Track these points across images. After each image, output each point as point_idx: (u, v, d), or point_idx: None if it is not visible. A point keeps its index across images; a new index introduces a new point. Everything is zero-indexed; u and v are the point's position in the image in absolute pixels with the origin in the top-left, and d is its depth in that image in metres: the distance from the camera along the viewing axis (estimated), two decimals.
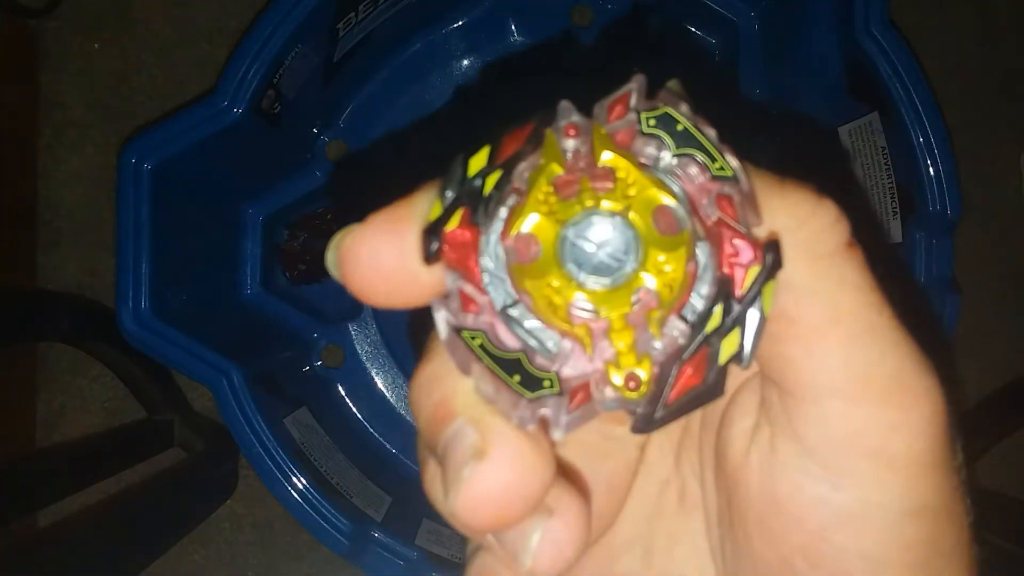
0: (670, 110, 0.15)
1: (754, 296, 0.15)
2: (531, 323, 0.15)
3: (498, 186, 0.15)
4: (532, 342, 0.15)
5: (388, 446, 0.64)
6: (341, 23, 0.55)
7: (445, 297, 0.16)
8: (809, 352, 0.16)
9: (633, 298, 0.15)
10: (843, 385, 0.16)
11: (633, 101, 0.15)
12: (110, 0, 0.68)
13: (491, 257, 0.15)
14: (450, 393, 0.16)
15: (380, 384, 0.65)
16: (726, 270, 0.15)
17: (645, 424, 0.15)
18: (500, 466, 0.15)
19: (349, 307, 0.64)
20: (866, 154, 0.55)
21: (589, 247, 0.15)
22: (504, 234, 0.15)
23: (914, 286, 0.52)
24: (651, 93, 0.16)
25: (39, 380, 0.67)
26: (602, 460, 0.19)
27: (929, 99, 0.51)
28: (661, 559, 0.20)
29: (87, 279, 0.67)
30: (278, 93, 0.54)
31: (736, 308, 0.15)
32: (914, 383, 0.16)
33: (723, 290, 0.15)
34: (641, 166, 0.15)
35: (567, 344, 0.15)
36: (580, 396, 0.15)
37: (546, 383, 0.15)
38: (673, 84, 0.16)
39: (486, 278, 0.15)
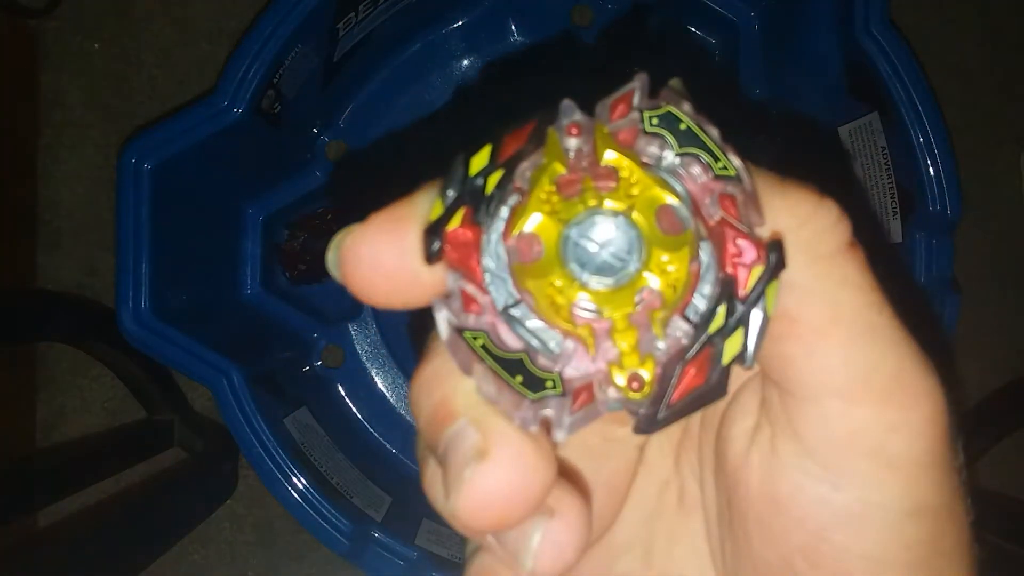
0: (673, 109, 0.15)
1: (757, 296, 0.15)
2: (533, 323, 0.15)
3: (500, 185, 0.15)
4: (534, 342, 0.15)
5: (388, 446, 0.64)
6: (341, 23, 0.55)
7: (446, 297, 0.15)
8: (810, 352, 0.16)
9: (636, 298, 0.15)
10: (843, 385, 0.16)
11: (636, 100, 0.15)
12: (110, 0, 0.68)
13: (493, 257, 0.15)
14: (451, 393, 0.16)
15: (380, 384, 0.65)
16: (729, 270, 0.15)
17: (648, 425, 0.15)
18: (502, 467, 0.15)
19: (349, 307, 0.64)
20: (866, 154, 0.55)
21: (592, 247, 0.15)
22: (506, 234, 0.15)
23: (914, 286, 0.51)
24: (653, 92, 0.16)
25: (39, 380, 0.67)
26: (602, 461, 0.19)
27: (929, 99, 0.51)
28: (661, 560, 0.20)
29: (87, 279, 0.67)
30: (278, 93, 0.54)
31: (739, 308, 0.15)
32: (914, 383, 0.16)
33: (726, 290, 0.15)
34: (644, 165, 0.15)
35: (569, 344, 0.15)
36: (583, 397, 0.15)
37: (549, 384, 0.15)
38: (675, 83, 0.16)
39: (488, 278, 0.15)
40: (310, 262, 0.63)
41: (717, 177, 0.15)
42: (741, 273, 0.15)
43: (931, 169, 0.51)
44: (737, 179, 0.15)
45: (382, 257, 0.16)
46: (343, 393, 0.64)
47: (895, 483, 0.16)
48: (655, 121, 0.15)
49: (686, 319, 0.15)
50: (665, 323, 0.15)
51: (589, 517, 0.17)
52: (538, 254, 0.15)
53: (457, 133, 0.62)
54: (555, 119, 0.15)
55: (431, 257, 0.15)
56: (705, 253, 0.15)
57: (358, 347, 0.64)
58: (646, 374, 0.15)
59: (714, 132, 0.15)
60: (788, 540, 0.17)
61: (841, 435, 0.16)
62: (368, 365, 0.65)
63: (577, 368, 0.15)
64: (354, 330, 0.64)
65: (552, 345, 0.15)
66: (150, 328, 0.50)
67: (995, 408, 0.66)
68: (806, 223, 0.16)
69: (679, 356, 0.15)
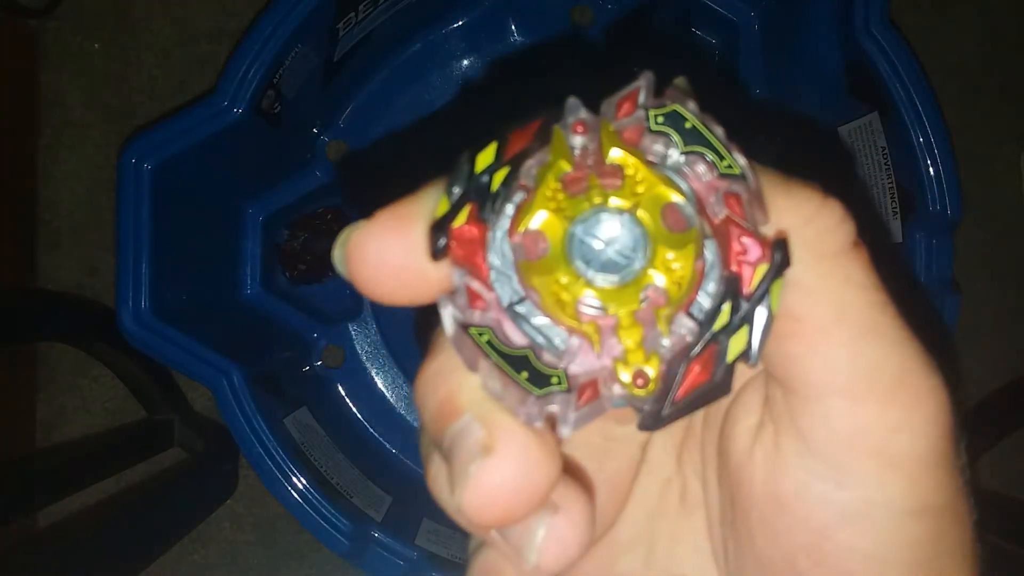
0: (678, 108, 0.15)
1: (762, 294, 0.15)
2: (538, 320, 0.15)
3: (506, 182, 0.15)
4: (539, 339, 0.15)
5: (388, 446, 0.64)
6: (341, 23, 0.55)
7: (452, 294, 0.16)
8: (813, 351, 0.16)
9: (641, 295, 0.15)
10: (847, 384, 0.16)
11: (641, 98, 0.15)
12: (110, 0, 0.68)
13: (498, 254, 0.15)
14: (456, 389, 0.16)
15: (380, 384, 0.65)
16: (734, 268, 0.15)
17: (653, 421, 0.15)
18: (507, 462, 0.15)
19: (349, 307, 0.64)
20: (866, 154, 0.55)
21: (597, 244, 0.15)
22: (512, 231, 0.15)
23: (916, 286, 0.51)
24: (658, 91, 0.16)
25: (40, 380, 0.67)
26: (604, 459, 0.19)
27: (929, 99, 0.51)
28: (662, 559, 0.20)
29: (87, 279, 0.67)
30: (278, 93, 0.54)
31: (744, 306, 0.15)
32: (918, 383, 0.16)
33: (731, 288, 0.15)
34: (649, 163, 0.15)
35: (574, 341, 0.15)
36: (588, 393, 0.15)
37: (554, 380, 0.15)
38: (680, 82, 0.16)
39: (493, 275, 0.15)
40: (310, 262, 0.63)
41: (722, 176, 0.15)
42: (746, 271, 0.15)
43: (931, 169, 0.51)
44: (742, 178, 0.15)
45: (388, 254, 0.16)
46: (343, 393, 0.64)
47: (899, 482, 0.16)
48: (660, 119, 0.15)
49: (691, 317, 0.15)
50: (670, 320, 0.15)
51: (593, 513, 0.17)
52: (543, 251, 0.15)
53: (457, 133, 0.62)
54: (561, 117, 0.15)
55: (437, 254, 0.15)
56: (710, 251, 0.15)
57: (358, 347, 0.64)
58: (651, 371, 0.15)
59: (719, 131, 0.15)
60: (791, 538, 0.17)
61: (845, 434, 0.16)
62: (368, 365, 0.65)
63: (582, 365, 0.15)
64: (354, 330, 0.64)
65: (557, 342, 0.15)
66: (150, 328, 0.50)
67: (995, 408, 0.66)
68: (810, 222, 0.16)
69: (684, 353, 0.15)
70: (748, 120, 0.61)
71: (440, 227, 0.15)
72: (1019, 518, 0.59)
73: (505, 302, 0.15)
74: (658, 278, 0.15)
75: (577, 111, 0.15)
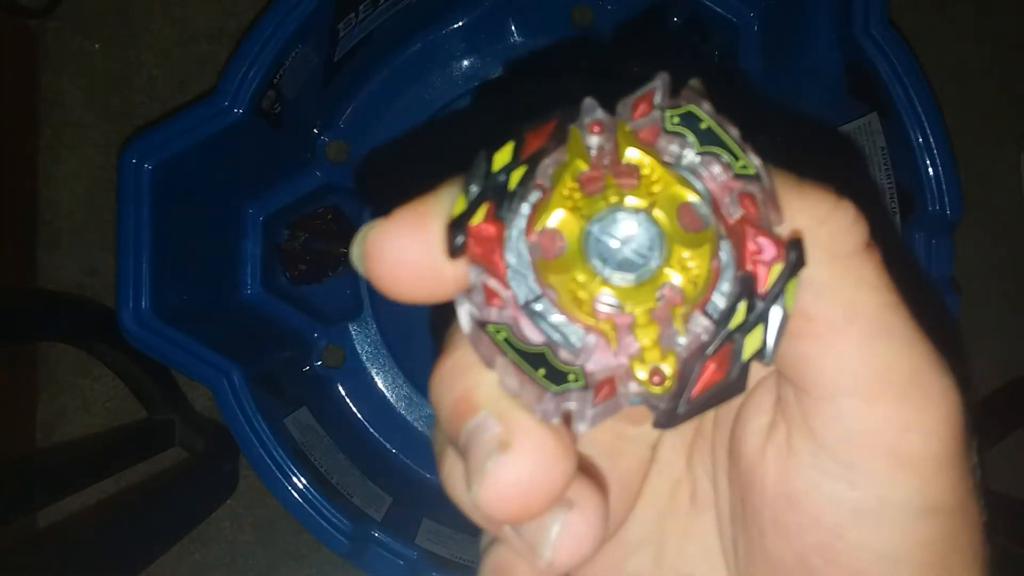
0: (694, 108, 0.15)
1: (777, 293, 0.15)
2: (555, 318, 0.15)
3: (523, 181, 0.15)
4: (556, 336, 0.15)
5: (388, 446, 0.64)
6: (341, 23, 0.55)
7: (468, 291, 0.16)
8: (826, 350, 0.16)
9: (657, 294, 0.15)
10: (860, 383, 0.16)
11: (657, 99, 0.16)
12: (110, 0, 0.68)
13: (515, 252, 0.16)
14: (472, 386, 0.16)
15: (380, 384, 0.65)
16: (749, 267, 0.15)
17: (668, 419, 0.15)
18: (524, 458, 0.15)
19: (349, 307, 0.64)
20: (865, 154, 0.55)
21: (614, 243, 0.15)
22: (529, 229, 0.15)
23: (925, 286, 0.51)
24: (673, 92, 0.16)
25: (40, 380, 0.67)
26: (615, 459, 0.19)
27: (929, 99, 0.50)
28: (672, 559, 0.21)
29: (87, 279, 0.67)
30: (278, 93, 0.54)
31: (760, 305, 0.15)
32: (931, 383, 0.16)
33: (747, 287, 0.15)
34: (665, 163, 0.15)
35: (591, 339, 0.15)
36: (606, 390, 0.15)
37: (571, 377, 0.15)
38: (695, 83, 0.16)
39: (510, 273, 0.16)
40: (310, 262, 0.63)
41: (737, 176, 0.15)
42: (761, 270, 0.15)
43: (931, 169, 0.51)
44: (757, 178, 0.15)
45: (406, 251, 0.16)
46: (343, 393, 0.64)
47: (911, 481, 0.16)
48: (676, 120, 0.15)
49: (707, 315, 0.15)
50: (686, 319, 0.15)
51: (607, 510, 0.17)
52: (560, 250, 0.15)
53: (458, 133, 0.62)
54: (577, 117, 0.16)
55: (454, 251, 0.15)
56: (724, 251, 0.15)
57: (358, 347, 0.64)
58: (667, 368, 0.15)
59: (734, 132, 0.15)
60: (803, 537, 0.17)
61: (857, 433, 0.16)
62: (368, 365, 0.65)
63: (598, 362, 0.15)
64: (354, 330, 0.64)
65: (573, 339, 0.15)
66: (150, 328, 0.50)
67: (996, 408, 0.66)
68: (824, 223, 0.16)
69: (699, 352, 0.15)
70: (748, 120, 0.61)
71: (458, 225, 0.15)
72: (1019, 518, 0.59)
73: (522, 300, 0.15)
74: (674, 277, 0.15)
75: (593, 111, 0.16)
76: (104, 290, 0.67)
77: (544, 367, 0.15)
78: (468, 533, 0.55)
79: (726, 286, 0.15)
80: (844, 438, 0.16)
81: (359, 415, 0.64)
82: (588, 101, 0.16)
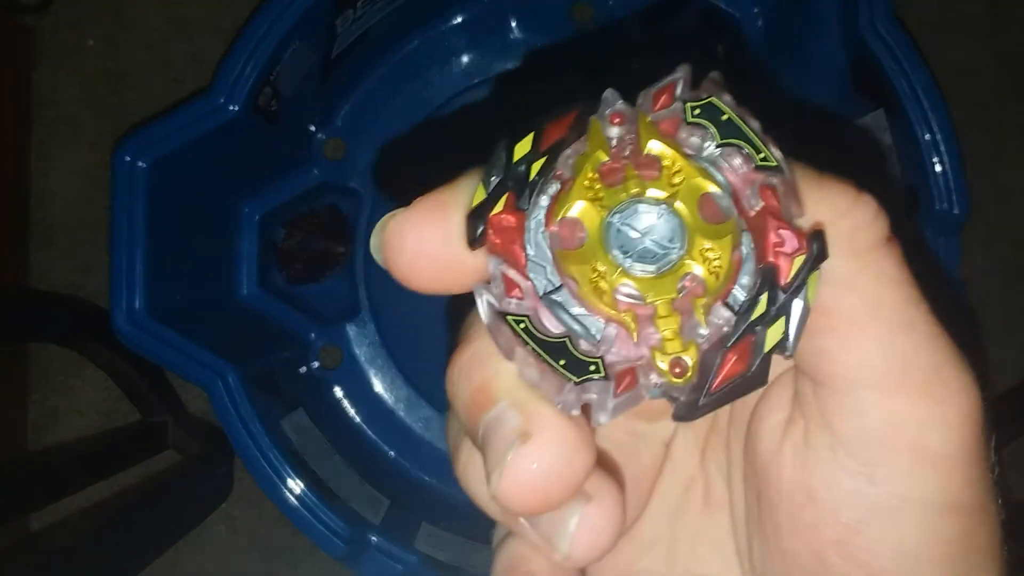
0: (715, 100, 0.16)
1: (799, 285, 0.15)
2: (575, 308, 0.16)
3: (543, 172, 0.15)
4: (576, 327, 0.16)
5: (386, 448, 0.64)
6: (339, 19, 0.55)
7: (488, 282, 0.16)
8: (846, 344, 0.16)
9: (678, 285, 0.15)
10: (879, 378, 0.16)
11: (678, 91, 0.16)
12: None
13: (534, 243, 0.16)
14: (491, 377, 0.16)
15: (378, 385, 0.64)
16: (771, 259, 0.15)
17: (689, 411, 0.15)
18: (544, 449, 0.15)
19: (347, 307, 0.64)
20: (880, 150, 0.55)
21: (634, 234, 0.15)
22: (549, 220, 0.16)
23: (939, 283, 0.51)
24: (694, 84, 0.16)
25: (31, 381, 0.67)
26: (628, 456, 0.19)
27: (935, 96, 0.50)
28: (685, 557, 0.21)
29: (80, 278, 0.67)
30: (275, 91, 0.53)
31: (781, 297, 0.15)
32: (951, 378, 0.16)
33: (768, 279, 0.15)
34: (686, 155, 0.16)
35: (611, 330, 0.15)
36: (627, 380, 0.15)
37: (592, 368, 0.15)
38: (715, 75, 0.16)
39: (529, 263, 0.16)
40: (307, 261, 0.63)
41: (758, 168, 0.15)
42: (783, 262, 0.15)
43: (937, 167, 0.51)
44: (778, 170, 0.15)
45: (426, 241, 0.16)
46: (340, 394, 0.64)
47: (930, 478, 0.16)
48: (697, 112, 0.16)
49: (728, 307, 0.15)
50: (707, 310, 0.15)
51: (624, 504, 0.17)
52: (580, 240, 0.16)
53: (456, 131, 0.62)
54: (596, 108, 0.16)
55: (474, 242, 0.16)
56: (745, 243, 0.15)
57: (356, 348, 0.64)
58: (689, 360, 0.15)
59: (755, 124, 0.15)
60: (820, 533, 0.17)
61: (876, 428, 0.16)
62: (366, 366, 0.64)
63: (618, 353, 0.15)
64: (352, 331, 0.64)
65: (594, 330, 0.16)
66: (144, 328, 0.50)
67: (1001, 410, 0.66)
68: (844, 217, 0.16)
69: (721, 343, 0.15)
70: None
71: (478, 215, 0.16)
72: (1019, 518, 0.58)
73: (541, 290, 0.16)
74: (695, 268, 0.15)
75: (614, 102, 0.16)
76: (97, 289, 0.66)
77: (564, 357, 0.15)
78: (468, 537, 0.55)
79: (747, 278, 0.15)
80: (863, 433, 0.16)
81: (356, 417, 0.64)
82: (608, 92, 0.16)
